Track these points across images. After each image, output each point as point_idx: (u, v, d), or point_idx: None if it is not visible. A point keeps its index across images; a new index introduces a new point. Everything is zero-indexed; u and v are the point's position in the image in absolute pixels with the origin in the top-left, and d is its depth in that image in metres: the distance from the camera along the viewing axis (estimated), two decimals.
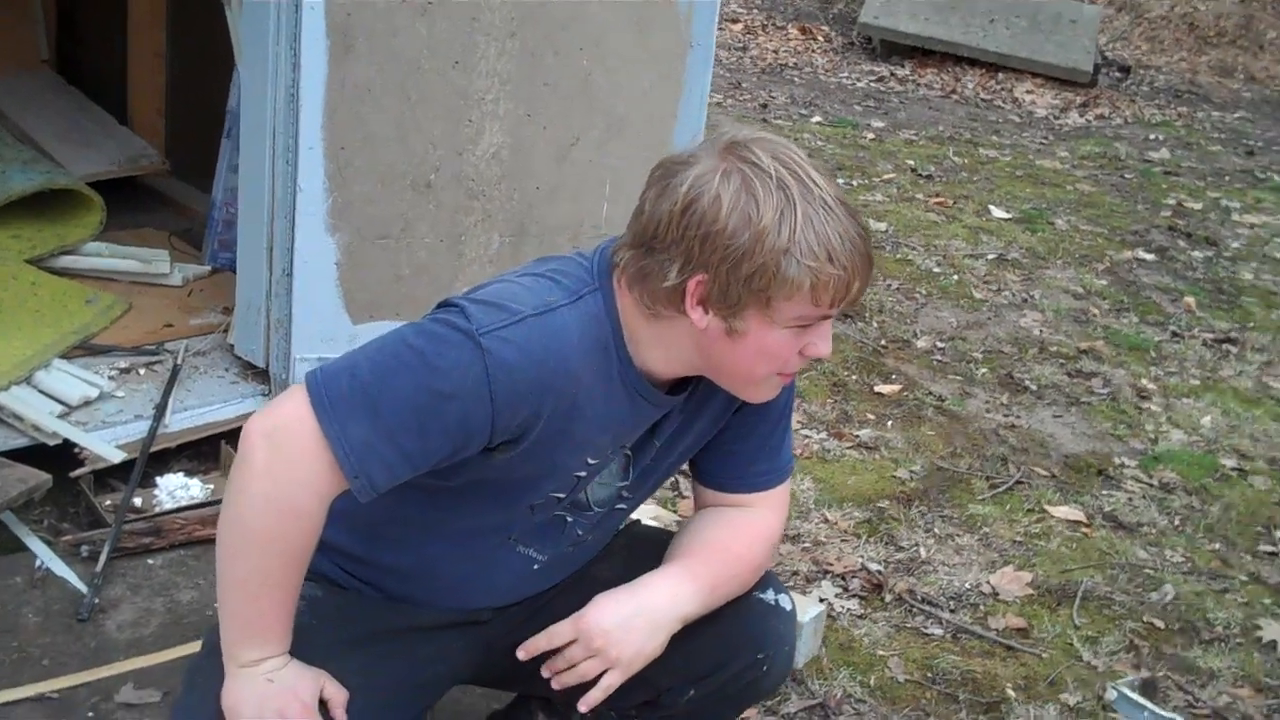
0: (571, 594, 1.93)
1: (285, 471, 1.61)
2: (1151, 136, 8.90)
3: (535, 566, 1.93)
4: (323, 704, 1.72)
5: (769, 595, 2.01)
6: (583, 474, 1.82)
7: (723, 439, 1.96)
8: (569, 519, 1.90)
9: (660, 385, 1.79)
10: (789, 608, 2.03)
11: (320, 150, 3.05)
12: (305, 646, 1.73)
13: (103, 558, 2.71)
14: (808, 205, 1.61)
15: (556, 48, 3.25)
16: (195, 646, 2.47)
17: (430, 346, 1.62)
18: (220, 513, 1.67)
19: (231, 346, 3.38)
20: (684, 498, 3.31)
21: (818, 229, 1.60)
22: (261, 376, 3.31)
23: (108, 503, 2.92)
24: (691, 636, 1.86)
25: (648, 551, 1.98)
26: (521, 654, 1.83)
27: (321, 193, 3.08)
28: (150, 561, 2.81)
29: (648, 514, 2.82)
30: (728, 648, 1.96)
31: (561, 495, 1.84)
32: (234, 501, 1.64)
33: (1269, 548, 3.55)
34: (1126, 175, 7.68)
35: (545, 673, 1.83)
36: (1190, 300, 5.50)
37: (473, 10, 3.11)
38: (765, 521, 1.98)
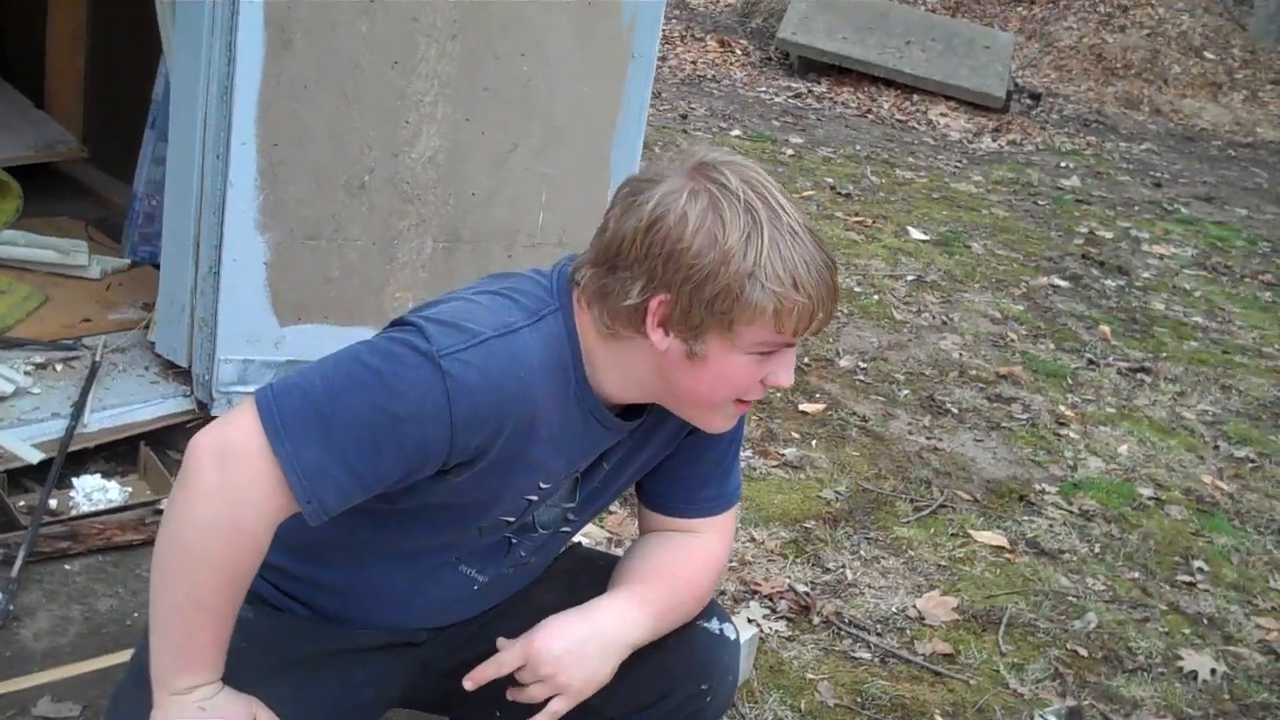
0: (510, 617, 1.89)
1: (234, 493, 1.53)
2: (1062, 164, 9.03)
3: (475, 587, 1.88)
4: None
5: (713, 624, 1.97)
6: (534, 498, 1.77)
7: (672, 462, 1.92)
8: (514, 540, 1.85)
9: (613, 409, 1.75)
10: (733, 637, 2.00)
11: (253, 146, 2.98)
12: (236, 671, 1.66)
13: (18, 562, 2.61)
14: (775, 230, 1.58)
15: (498, 52, 3.20)
16: (115, 657, 2.41)
17: (388, 367, 1.56)
18: (159, 532, 1.59)
19: (152, 344, 3.28)
20: (611, 513, 3.28)
21: (784, 254, 1.57)
22: (183, 376, 3.21)
23: (21, 504, 2.82)
24: (635, 665, 1.82)
25: (589, 575, 1.94)
26: (469, 684, 1.77)
27: (253, 190, 3.00)
28: (67, 567, 2.71)
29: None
30: (671, 677, 1.92)
31: (511, 519, 1.79)
32: (176, 521, 1.56)
33: (1186, 578, 3.59)
34: (1040, 202, 7.78)
35: (509, 696, 1.78)
36: (1106, 329, 5.58)
37: (414, 10, 3.05)
38: (712, 548, 1.95)
